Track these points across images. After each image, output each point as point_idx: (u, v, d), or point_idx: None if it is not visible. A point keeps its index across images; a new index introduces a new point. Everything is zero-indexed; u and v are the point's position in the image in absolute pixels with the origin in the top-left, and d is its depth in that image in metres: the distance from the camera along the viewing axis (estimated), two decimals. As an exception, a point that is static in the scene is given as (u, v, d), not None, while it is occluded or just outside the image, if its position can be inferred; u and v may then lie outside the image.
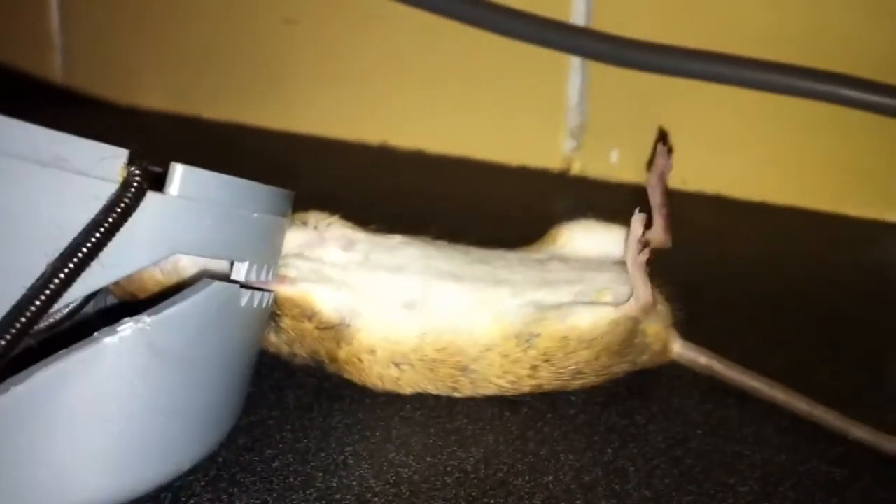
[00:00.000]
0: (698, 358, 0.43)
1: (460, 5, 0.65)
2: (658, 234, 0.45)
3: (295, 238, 0.41)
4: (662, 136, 0.56)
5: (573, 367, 0.41)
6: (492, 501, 0.35)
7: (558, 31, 0.64)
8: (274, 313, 0.39)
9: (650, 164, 0.47)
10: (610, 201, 0.67)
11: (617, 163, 0.69)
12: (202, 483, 0.35)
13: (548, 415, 0.41)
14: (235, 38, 0.76)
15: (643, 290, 0.41)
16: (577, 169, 0.70)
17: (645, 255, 0.41)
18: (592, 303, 0.41)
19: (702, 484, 0.36)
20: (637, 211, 0.42)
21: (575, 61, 0.67)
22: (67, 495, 0.30)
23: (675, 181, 0.64)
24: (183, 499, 0.34)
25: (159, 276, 0.36)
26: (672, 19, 0.63)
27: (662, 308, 0.43)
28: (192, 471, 0.35)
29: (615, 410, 0.41)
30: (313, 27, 0.73)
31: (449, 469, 0.37)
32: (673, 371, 0.43)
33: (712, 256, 0.58)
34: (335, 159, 0.74)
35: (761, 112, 0.63)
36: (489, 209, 0.66)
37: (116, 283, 0.36)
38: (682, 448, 0.39)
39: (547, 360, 0.40)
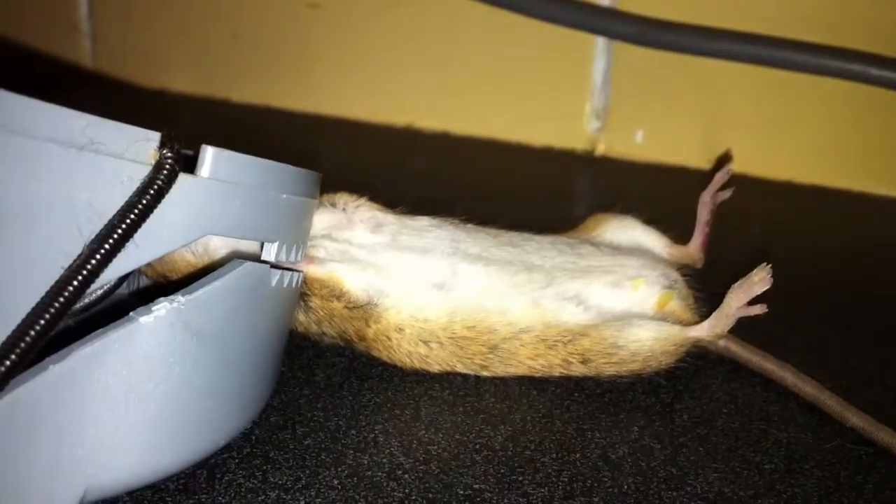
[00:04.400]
0: (717, 339, 0.43)
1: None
2: (693, 252, 0.46)
3: (323, 220, 0.42)
4: (727, 157, 0.56)
5: (611, 372, 0.41)
6: (520, 478, 0.35)
7: (584, 13, 0.64)
8: (303, 293, 0.40)
9: (709, 180, 0.47)
10: (635, 182, 0.68)
11: (642, 143, 0.68)
12: (236, 460, 0.36)
13: (574, 394, 0.41)
14: (262, 22, 0.76)
15: (723, 326, 0.41)
16: (601, 150, 0.70)
17: (746, 310, 0.40)
18: (655, 318, 0.41)
19: (728, 462, 0.37)
20: (766, 266, 0.40)
21: (600, 42, 0.67)
22: (104, 472, 0.31)
23: (701, 161, 0.64)
24: (218, 475, 0.35)
25: (191, 258, 0.37)
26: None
27: (684, 292, 0.43)
28: (227, 448, 0.36)
29: (641, 389, 0.41)
30: (338, 10, 0.73)
31: (477, 447, 0.37)
32: (697, 350, 0.43)
33: (735, 235, 0.58)
34: (361, 142, 0.74)
35: (789, 92, 0.63)
36: (514, 190, 0.66)
37: (149, 265, 0.36)
38: (707, 426, 0.39)
39: (584, 361, 0.41)
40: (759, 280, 0.40)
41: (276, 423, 0.38)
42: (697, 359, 0.43)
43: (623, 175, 0.69)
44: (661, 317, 0.42)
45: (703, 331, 0.41)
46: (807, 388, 0.40)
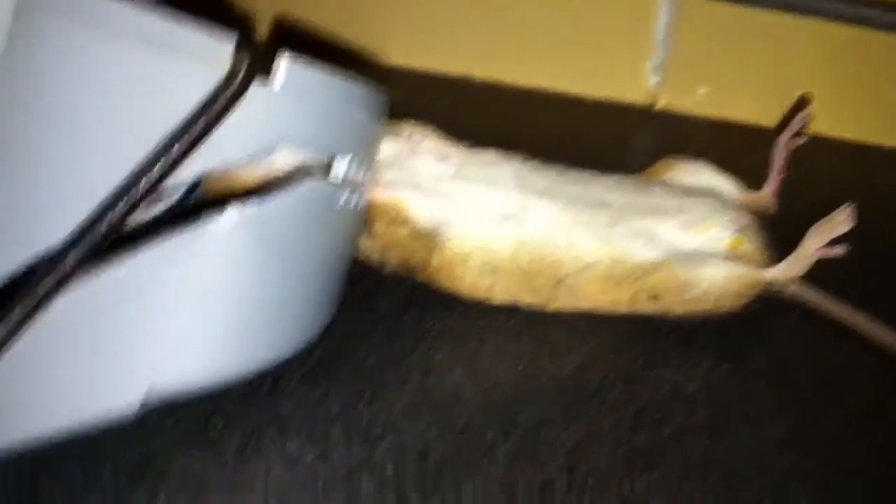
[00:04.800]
0: (791, 287, 0.42)
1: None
2: (766, 197, 0.44)
3: (388, 148, 0.41)
4: (805, 100, 0.54)
5: (681, 310, 0.40)
6: (586, 409, 0.35)
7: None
8: (368, 219, 0.39)
9: (783, 124, 0.46)
10: (696, 138, 0.66)
11: (703, 99, 0.67)
12: (299, 374, 0.35)
13: (642, 330, 0.40)
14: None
15: (799, 269, 0.40)
16: (662, 104, 0.68)
17: (825, 251, 0.40)
18: (727, 258, 0.40)
19: (803, 402, 0.36)
20: (848, 206, 0.40)
21: (664, -6, 0.66)
22: (169, 371, 0.31)
23: (764, 118, 0.63)
24: (282, 385, 0.35)
25: (257, 173, 0.36)
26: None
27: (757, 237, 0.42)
28: (289, 362, 0.36)
29: (710, 329, 0.40)
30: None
31: (542, 378, 0.36)
32: (768, 295, 0.42)
33: (802, 194, 0.57)
34: (415, 91, 0.73)
35: (859, 49, 0.61)
36: (571, 144, 0.65)
37: (217, 177, 0.36)
38: (780, 369, 0.38)
39: (653, 298, 0.40)
40: (842, 220, 0.38)
41: (337, 344, 0.38)
42: (768, 303, 0.41)
43: (684, 130, 0.67)
44: (734, 258, 0.40)
45: (778, 272, 0.40)
46: (881, 334, 0.39)
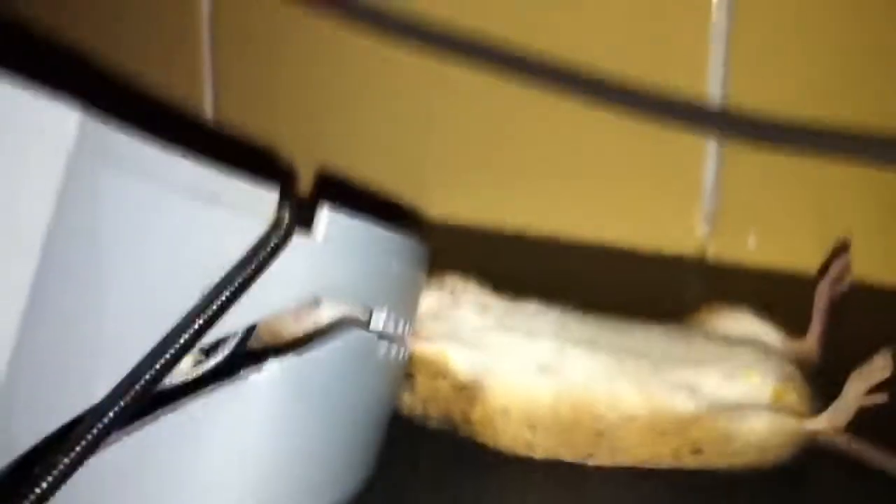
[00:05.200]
0: (838, 438, 0.41)
1: (603, 92, 0.66)
2: (810, 345, 0.44)
3: (430, 301, 0.42)
4: (844, 245, 0.55)
5: (724, 464, 0.39)
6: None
7: (696, 114, 0.64)
8: (408, 373, 0.40)
9: (824, 268, 0.46)
10: (747, 288, 0.66)
11: (754, 248, 0.67)
12: (336, 535, 0.35)
13: (683, 485, 0.39)
14: (375, 144, 0.78)
15: (843, 418, 0.40)
16: (712, 254, 0.69)
17: (869, 398, 0.39)
18: (771, 408, 0.40)
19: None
20: (887, 353, 0.40)
21: (711, 143, 0.67)
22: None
23: (815, 267, 0.63)
24: (317, 548, 0.34)
25: (297, 326, 0.37)
26: (811, 98, 0.63)
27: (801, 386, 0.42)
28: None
29: (754, 482, 0.39)
30: (451, 113, 0.75)
31: (584, 534, 0.36)
32: (816, 448, 0.41)
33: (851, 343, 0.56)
34: (469, 245, 0.74)
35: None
36: (621, 296, 0.65)
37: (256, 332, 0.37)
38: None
39: (695, 451, 0.39)
40: (881, 367, 0.38)
41: (377, 501, 0.38)
42: (816, 456, 0.40)
43: (734, 281, 0.67)
44: (777, 409, 0.40)
45: (821, 423, 0.39)
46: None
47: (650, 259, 0.70)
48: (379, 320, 0.35)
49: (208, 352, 0.34)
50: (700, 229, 0.69)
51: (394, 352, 0.36)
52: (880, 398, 0.38)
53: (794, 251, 0.66)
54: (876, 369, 0.38)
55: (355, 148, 0.79)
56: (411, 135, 0.76)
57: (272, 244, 0.30)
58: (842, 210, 0.64)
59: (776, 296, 0.63)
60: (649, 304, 0.63)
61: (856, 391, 0.38)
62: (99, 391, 0.28)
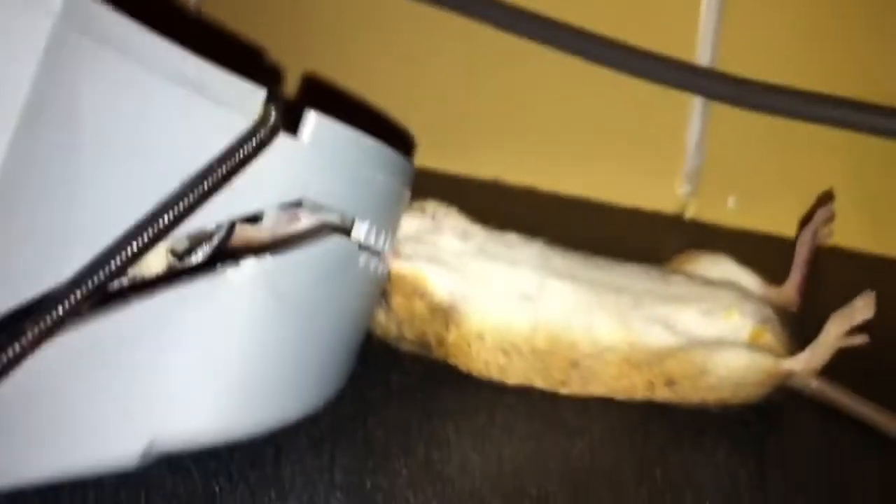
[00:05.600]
0: (811, 382, 0.41)
1: (588, 45, 0.65)
2: (790, 292, 0.44)
3: (411, 223, 0.41)
4: (828, 197, 0.55)
5: (697, 398, 0.39)
6: (596, 487, 0.34)
7: (683, 72, 0.64)
8: (385, 291, 0.39)
9: (806, 219, 0.46)
10: (724, 248, 0.66)
11: (734, 209, 0.67)
12: (305, 442, 0.35)
13: (657, 417, 0.39)
14: (360, 71, 0.77)
15: (820, 358, 0.40)
16: (691, 213, 0.69)
17: (846, 339, 0.39)
18: (749, 346, 0.40)
19: (819, 494, 0.35)
20: (870, 294, 0.40)
21: (696, 105, 0.67)
22: (173, 423, 0.30)
23: (794, 230, 0.63)
24: (285, 453, 0.34)
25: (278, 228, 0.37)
26: (798, 63, 0.63)
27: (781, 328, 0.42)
28: (295, 430, 0.35)
29: (727, 420, 0.39)
30: (436, 61, 0.74)
31: (552, 454, 0.36)
32: (787, 391, 0.41)
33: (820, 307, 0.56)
34: (446, 192, 0.74)
35: (886, 160, 0.61)
36: (599, 250, 0.65)
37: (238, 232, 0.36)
38: (797, 462, 0.37)
39: (669, 384, 0.39)
40: (863, 307, 0.38)
41: (346, 414, 0.37)
42: (789, 398, 0.41)
43: (712, 241, 0.67)
44: (754, 347, 0.40)
45: (798, 362, 0.39)
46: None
47: (630, 214, 0.70)
48: (360, 230, 0.35)
49: (187, 253, 0.34)
50: (681, 188, 0.69)
51: (373, 265, 0.35)
52: (860, 339, 0.38)
53: (773, 214, 0.66)
54: (857, 310, 0.38)
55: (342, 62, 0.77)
56: (399, 79, 0.76)
57: (257, 139, 0.29)
58: (823, 176, 0.64)
59: (754, 255, 0.63)
60: (627, 257, 0.63)
61: (836, 332, 0.38)
62: (68, 270, 0.27)
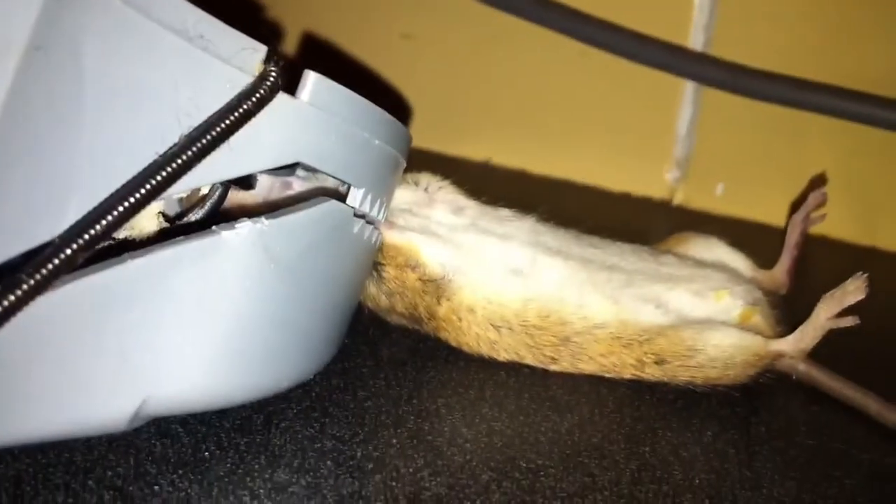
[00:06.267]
0: (799, 364, 0.41)
1: (579, 24, 0.65)
2: (780, 276, 0.44)
3: (405, 196, 0.41)
4: (821, 180, 0.55)
5: (686, 377, 0.39)
6: (585, 461, 0.34)
7: (675, 55, 0.64)
8: (377, 262, 0.39)
9: (798, 203, 0.46)
10: (712, 232, 0.66)
11: (722, 196, 0.67)
12: (294, 410, 0.35)
13: (646, 395, 0.39)
14: (352, 49, 0.77)
15: (810, 340, 0.40)
16: (679, 199, 0.69)
17: (837, 321, 0.39)
18: (738, 327, 0.40)
19: (806, 472, 0.35)
20: (861, 276, 0.40)
21: (687, 91, 0.66)
22: (165, 385, 0.30)
23: (782, 219, 0.63)
24: (275, 421, 0.34)
25: (274, 192, 0.37)
26: (792, 49, 0.63)
27: (768, 311, 0.42)
28: (284, 398, 0.35)
29: (715, 400, 0.39)
30: (429, 42, 0.74)
31: (542, 429, 0.36)
32: (775, 374, 0.41)
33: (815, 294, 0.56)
34: (437, 171, 0.74)
35: (882, 153, 0.62)
36: (587, 233, 0.65)
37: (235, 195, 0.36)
38: (785, 440, 0.37)
39: (659, 362, 0.39)
40: (854, 289, 0.38)
41: (336, 385, 0.37)
42: (777, 380, 0.41)
43: (700, 227, 0.67)
44: (744, 329, 0.40)
45: (787, 344, 0.39)
46: (892, 416, 0.38)
47: (618, 198, 0.70)
48: (356, 197, 0.34)
49: (179, 217, 0.33)
50: (670, 174, 0.69)
51: (367, 233, 0.35)
52: (850, 321, 0.38)
53: (761, 203, 0.66)
54: (847, 293, 0.38)
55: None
56: (389, 64, 0.75)
57: (257, 95, 0.29)
58: (812, 165, 0.64)
59: (740, 243, 0.64)
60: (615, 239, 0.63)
61: (826, 314, 0.38)
62: (65, 222, 0.27)
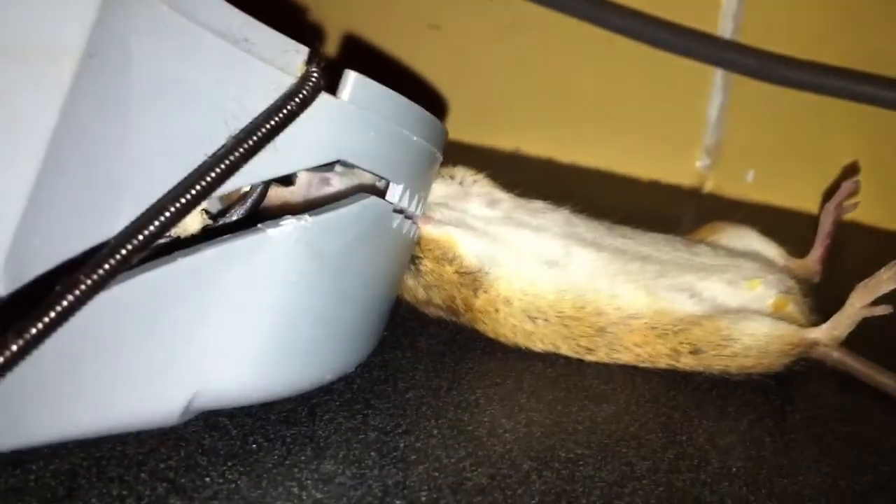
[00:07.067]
0: (832, 352, 0.41)
1: (610, 14, 0.66)
2: (812, 264, 0.45)
3: (440, 190, 0.42)
4: (853, 169, 0.55)
5: (721, 366, 0.40)
6: (623, 450, 0.34)
7: (703, 43, 0.64)
8: (414, 256, 0.40)
9: (831, 191, 0.47)
10: (742, 222, 0.66)
11: (752, 183, 0.68)
12: (337, 402, 0.36)
13: (681, 385, 0.40)
14: (381, 40, 0.78)
15: (844, 328, 0.40)
16: (710, 187, 0.69)
17: (870, 310, 0.40)
18: (772, 316, 0.40)
19: (842, 459, 0.35)
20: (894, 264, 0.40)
21: (717, 79, 0.67)
22: (214, 378, 0.31)
23: (813, 205, 0.63)
24: (320, 411, 0.35)
25: (316, 190, 0.37)
26: (822, 36, 0.63)
27: (801, 300, 0.42)
28: (327, 391, 0.36)
29: (750, 388, 0.40)
30: (457, 32, 0.74)
31: (580, 419, 0.36)
32: (809, 362, 0.41)
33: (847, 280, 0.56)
34: (466, 162, 0.74)
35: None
36: (617, 222, 0.66)
37: (279, 193, 0.37)
38: (820, 427, 0.38)
39: (694, 352, 0.40)
40: (888, 278, 0.38)
41: (377, 377, 0.38)
42: (811, 368, 0.41)
43: (731, 214, 0.67)
44: (778, 317, 0.40)
45: (821, 332, 0.40)
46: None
47: (648, 186, 0.70)
48: (395, 192, 0.35)
49: (222, 214, 0.34)
50: (700, 161, 0.69)
51: (406, 227, 0.36)
52: (883, 310, 0.38)
53: (791, 189, 0.66)
54: (881, 281, 0.39)
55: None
56: (416, 55, 0.76)
57: (301, 96, 0.30)
58: (842, 151, 0.64)
59: (771, 230, 0.64)
60: (646, 228, 0.63)
61: (859, 302, 0.39)
62: (119, 223, 0.28)
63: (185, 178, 0.28)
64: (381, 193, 0.35)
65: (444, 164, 0.41)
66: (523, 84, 0.73)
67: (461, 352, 0.41)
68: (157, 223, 0.27)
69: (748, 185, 0.68)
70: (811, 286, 0.44)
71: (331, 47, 0.78)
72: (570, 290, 0.40)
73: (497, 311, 0.40)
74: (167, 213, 0.27)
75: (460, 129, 0.75)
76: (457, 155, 0.74)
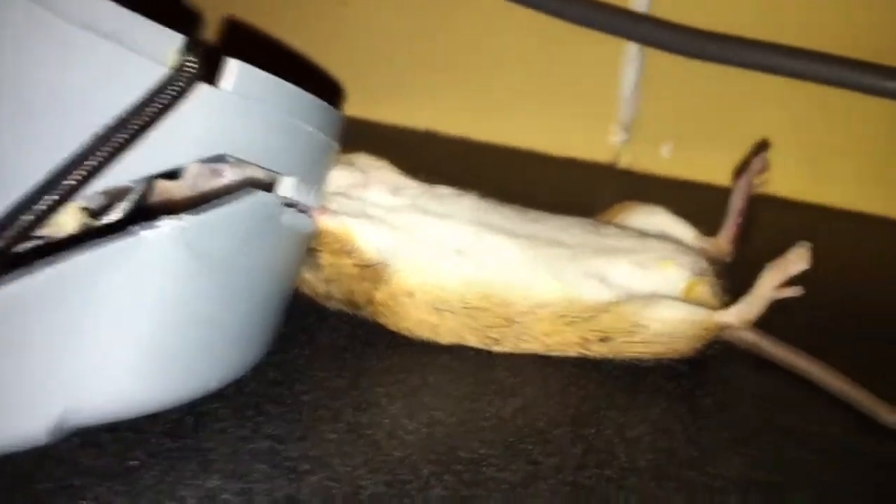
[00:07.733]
0: (745, 334, 0.40)
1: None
2: (724, 243, 0.44)
3: (341, 178, 0.40)
4: (763, 146, 0.54)
5: (632, 353, 0.39)
6: (529, 447, 0.33)
7: (618, 17, 0.62)
8: (312, 248, 0.38)
9: (742, 168, 0.46)
10: (659, 198, 0.65)
11: (668, 158, 0.67)
12: (228, 409, 0.34)
13: (591, 373, 0.39)
14: (288, 17, 0.75)
15: (755, 310, 0.39)
16: (625, 162, 0.68)
17: (780, 291, 0.39)
18: (684, 299, 0.39)
19: (753, 447, 0.35)
20: (805, 245, 0.39)
21: (630, 53, 0.65)
22: (87, 394, 0.29)
23: (729, 179, 0.62)
24: (207, 423, 0.33)
25: (197, 186, 0.35)
26: (735, 9, 0.62)
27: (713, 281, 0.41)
28: (218, 397, 0.34)
29: (662, 374, 0.39)
30: (365, 9, 0.72)
31: (486, 416, 0.35)
32: (722, 344, 0.41)
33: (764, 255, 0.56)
34: (379, 143, 0.72)
35: (827, 110, 0.61)
36: (532, 199, 0.64)
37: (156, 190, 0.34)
38: (731, 413, 0.37)
39: (604, 340, 0.38)
40: (797, 259, 0.38)
41: (272, 379, 0.36)
42: (723, 351, 0.40)
43: (647, 190, 0.66)
44: (689, 300, 0.39)
45: (732, 315, 0.39)
46: (836, 382, 0.38)
47: (563, 163, 0.69)
48: (286, 185, 0.33)
49: (103, 211, 0.32)
50: (615, 136, 0.68)
51: (299, 221, 0.34)
52: (794, 291, 0.38)
53: (708, 163, 0.65)
54: (790, 262, 0.38)
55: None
56: (323, 30, 0.73)
57: (174, 89, 0.28)
58: (759, 124, 0.64)
59: (688, 204, 0.63)
60: (560, 206, 0.62)
61: (769, 284, 0.38)
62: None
63: (46, 178, 0.26)
64: (272, 185, 0.33)
65: (349, 149, 0.39)
66: (434, 61, 0.71)
67: (363, 346, 0.39)
68: (13, 229, 0.25)
69: (665, 160, 0.67)
70: (725, 266, 0.43)
71: (225, 41, 0.75)
72: (477, 280, 0.38)
73: (399, 303, 0.38)
74: (25, 218, 0.25)
75: (373, 108, 0.73)
76: (367, 135, 0.72)
